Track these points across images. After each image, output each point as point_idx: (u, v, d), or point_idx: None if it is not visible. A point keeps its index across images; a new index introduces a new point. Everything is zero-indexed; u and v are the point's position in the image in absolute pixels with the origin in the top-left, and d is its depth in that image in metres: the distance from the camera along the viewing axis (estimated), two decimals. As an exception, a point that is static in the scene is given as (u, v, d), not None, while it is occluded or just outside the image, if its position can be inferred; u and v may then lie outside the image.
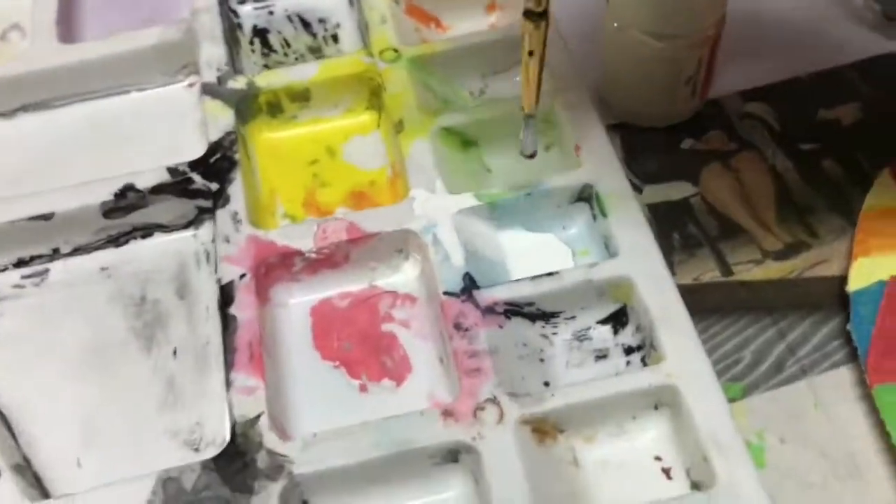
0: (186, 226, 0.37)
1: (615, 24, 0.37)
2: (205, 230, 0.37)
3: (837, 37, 0.42)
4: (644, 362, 0.32)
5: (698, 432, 0.29)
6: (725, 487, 0.28)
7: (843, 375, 0.32)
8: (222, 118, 0.38)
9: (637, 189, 0.37)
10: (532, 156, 0.35)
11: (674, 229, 0.36)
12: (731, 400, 0.32)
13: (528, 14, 0.30)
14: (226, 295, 0.33)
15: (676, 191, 0.38)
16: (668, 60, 0.36)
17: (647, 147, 0.39)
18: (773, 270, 0.35)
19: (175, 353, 0.34)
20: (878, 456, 0.30)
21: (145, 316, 0.35)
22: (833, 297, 0.34)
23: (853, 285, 0.33)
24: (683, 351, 0.30)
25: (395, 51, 0.40)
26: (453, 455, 0.30)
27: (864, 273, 0.34)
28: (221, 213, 0.35)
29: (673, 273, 0.34)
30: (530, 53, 0.31)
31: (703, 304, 0.34)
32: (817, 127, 0.39)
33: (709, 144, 0.39)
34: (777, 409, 0.32)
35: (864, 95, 0.40)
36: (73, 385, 0.34)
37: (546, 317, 0.33)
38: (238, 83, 0.39)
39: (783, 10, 0.43)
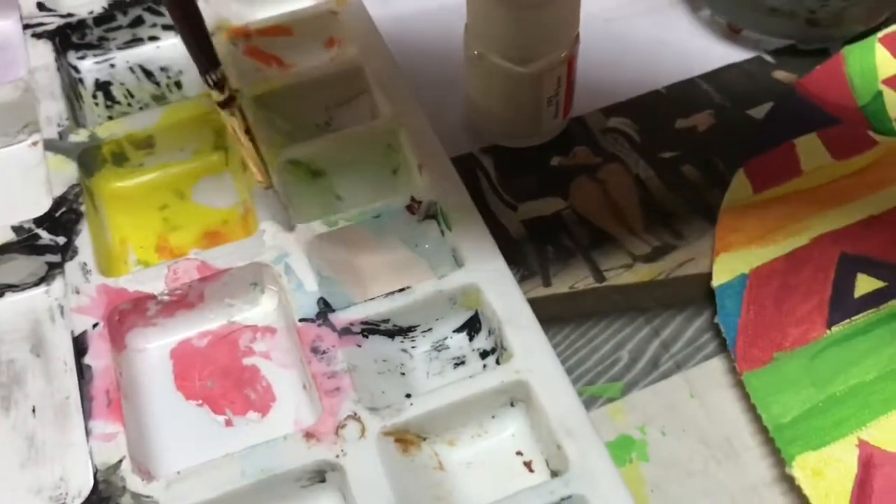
0: (38, 283, 0.37)
1: (475, 52, 0.39)
2: (57, 285, 0.37)
3: (689, 49, 0.45)
4: (498, 363, 0.33)
5: (550, 422, 0.30)
6: (578, 470, 0.29)
7: (715, 366, 0.34)
8: (66, 172, 0.38)
9: (512, 207, 0.39)
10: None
11: (548, 242, 0.38)
12: (611, 399, 0.34)
13: (220, 105, 0.32)
14: (80, 345, 0.33)
15: (548, 206, 0.39)
16: (529, 83, 0.38)
17: (519, 167, 0.41)
18: (642, 273, 0.37)
19: (34, 410, 0.34)
20: (752, 437, 0.32)
21: (1, 377, 0.35)
22: (701, 293, 0.36)
23: (717, 280, 0.36)
24: (529, 348, 0.32)
25: (236, 91, 0.41)
26: (320, 475, 0.30)
27: (727, 268, 0.36)
28: (70, 266, 0.35)
29: (549, 284, 0.37)
30: (246, 132, 0.33)
31: (580, 309, 0.36)
32: (675, 135, 0.42)
33: (575, 160, 0.41)
34: (656, 404, 0.33)
35: (715, 103, 0.43)
36: (-73, 457, 0.33)
37: (403, 332, 0.34)
38: (80, 136, 0.39)
39: (635, 26, 0.46)
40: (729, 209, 0.38)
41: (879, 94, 0.42)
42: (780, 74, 0.44)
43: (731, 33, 0.46)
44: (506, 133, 0.41)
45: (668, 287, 0.37)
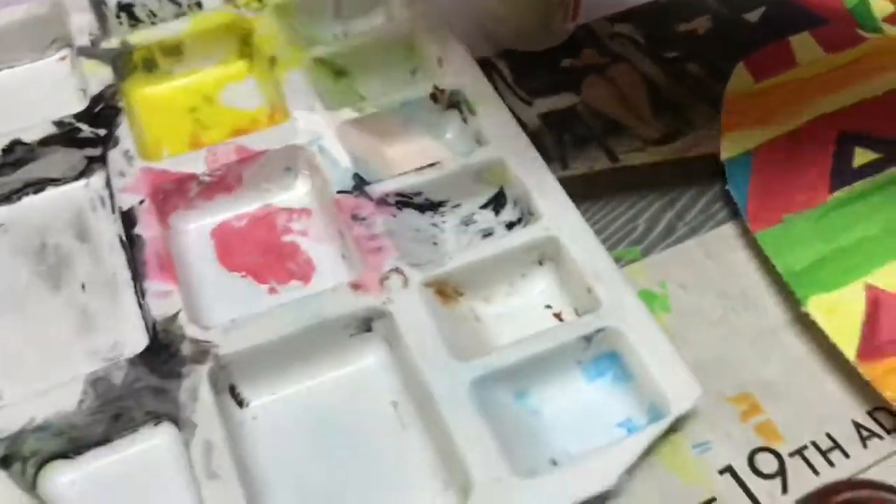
0: (78, 177, 0.38)
1: None
2: (97, 178, 0.38)
3: None
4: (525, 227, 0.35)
5: (580, 270, 0.33)
6: (609, 306, 0.31)
7: (727, 231, 0.37)
8: (101, 74, 0.40)
9: (527, 103, 0.42)
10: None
11: (564, 131, 0.40)
12: (632, 261, 0.36)
13: None
14: (128, 219, 0.34)
15: (562, 101, 0.42)
16: None
17: (532, 68, 0.43)
18: (655, 154, 0.40)
19: (83, 286, 0.35)
20: (766, 289, 0.35)
21: (48, 260, 0.36)
22: (709, 171, 0.38)
23: (725, 154, 0.38)
24: (556, 208, 0.34)
25: (259, 0, 0.43)
26: (366, 324, 0.32)
27: (733, 145, 0.39)
28: (113, 153, 0.37)
29: (567, 167, 0.39)
30: None
31: (597, 188, 0.38)
32: (677, 38, 0.44)
33: (584, 60, 0.44)
34: (673, 264, 0.36)
35: (712, 9, 0.46)
36: (-18, 333, 0.34)
37: (434, 206, 0.36)
38: (112, 43, 0.41)
39: None
40: (732, 97, 0.41)
41: (865, -3, 0.45)
42: (771, -18, 0.47)
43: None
44: (518, 39, 0.44)
45: (679, 166, 0.39)
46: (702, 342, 0.33)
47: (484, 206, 0.37)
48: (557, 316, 0.34)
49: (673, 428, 0.30)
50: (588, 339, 0.31)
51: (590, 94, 0.42)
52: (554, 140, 0.40)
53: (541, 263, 0.34)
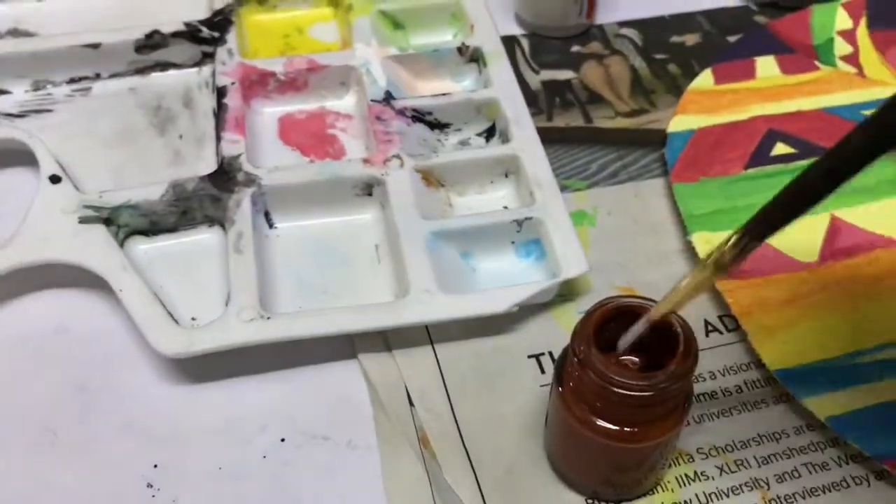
0: (193, 65, 0.52)
1: None
2: (206, 69, 0.52)
3: None
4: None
5: (528, 179, 0.44)
6: (540, 204, 0.43)
7: (657, 183, 0.48)
8: (225, -3, 0.54)
9: (535, 71, 0.54)
10: None
11: (557, 95, 0.52)
12: (578, 189, 0.47)
13: (717, 267, 0.29)
14: (221, 92, 0.48)
15: (562, 75, 0.54)
16: None
17: (547, 49, 0.55)
18: (621, 123, 0.51)
19: (181, 136, 0.49)
20: (672, 225, 0.46)
21: (160, 115, 0.50)
22: (658, 142, 0.49)
23: (671, 129, 0.49)
24: (524, 138, 0.46)
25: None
26: (369, 189, 0.45)
27: (680, 124, 0.49)
28: (220, 49, 0.51)
29: (551, 119, 0.50)
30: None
31: (568, 138, 0.50)
32: (669, 45, 0.56)
33: (589, 49, 0.55)
34: (609, 197, 0.47)
35: (703, 29, 0.57)
36: (107, 153, 0.48)
37: (440, 126, 0.49)
38: (237, -23, 0.55)
39: None
40: (692, 91, 0.52)
41: (831, 39, 0.55)
42: (759, 18, 0.58)
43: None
44: (543, 25, 0.56)
45: (637, 134, 0.50)
46: (611, 250, 0.44)
47: (479, 134, 0.49)
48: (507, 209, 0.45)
49: (568, 298, 0.42)
50: (519, 223, 0.43)
51: (585, 73, 0.54)
52: (547, 100, 0.52)
53: (506, 176, 0.46)
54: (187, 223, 0.44)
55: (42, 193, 0.43)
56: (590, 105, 0.52)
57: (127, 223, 0.43)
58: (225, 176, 0.44)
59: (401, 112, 0.48)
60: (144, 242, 0.43)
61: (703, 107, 0.51)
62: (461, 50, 0.51)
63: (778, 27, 0.56)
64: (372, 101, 0.48)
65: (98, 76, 0.52)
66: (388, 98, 0.48)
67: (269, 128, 0.49)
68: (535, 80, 0.53)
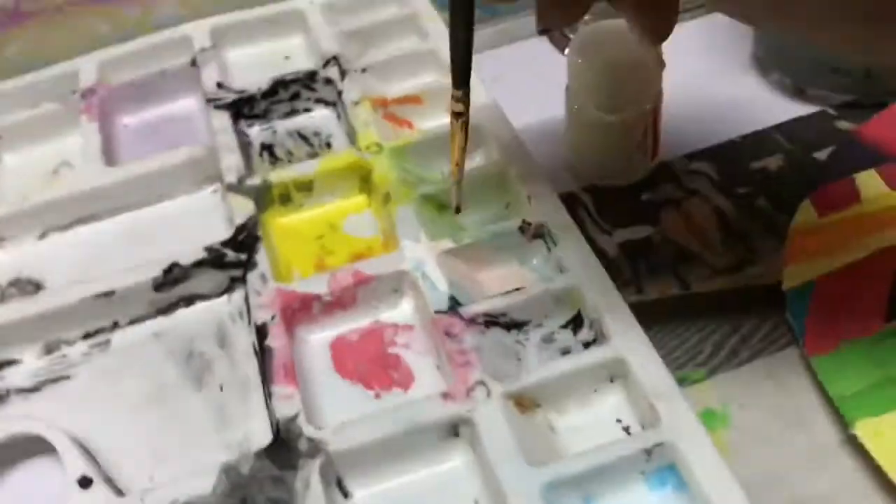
0: (221, 294, 0.46)
1: (575, 107, 0.47)
2: (237, 295, 0.46)
3: (760, 106, 0.53)
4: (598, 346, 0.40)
5: (644, 389, 0.37)
6: (668, 423, 0.35)
7: (788, 355, 0.41)
8: (245, 207, 0.47)
9: (608, 233, 0.47)
10: (457, 210, 0.44)
11: (640, 259, 0.46)
12: (697, 381, 0.40)
13: (455, 114, 0.40)
14: (262, 332, 0.41)
15: (639, 231, 0.47)
16: (620, 130, 0.47)
17: (613, 201, 0.49)
18: (723, 283, 0.44)
19: (221, 388, 0.42)
20: (821, 409, 0.38)
21: (193, 364, 0.43)
22: (773, 301, 0.42)
23: (787, 285, 0.42)
24: (626, 331, 0.39)
25: (378, 145, 0.50)
26: (454, 429, 0.37)
27: (795, 276, 0.42)
28: (251, 275, 0.44)
29: (641, 291, 0.44)
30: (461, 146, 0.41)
31: (667, 313, 0.43)
32: (749, 175, 0.49)
33: (662, 194, 0.49)
34: (736, 385, 0.40)
35: (784, 148, 0.50)
36: (139, 422, 0.41)
37: (518, 325, 0.42)
38: (255, 181, 0.49)
39: (713, 86, 0.54)
40: (796, 230, 0.45)
41: (932, 138, 0.48)
42: (842, 124, 0.51)
43: (798, 92, 0.53)
44: (602, 175, 0.49)
45: (745, 294, 0.43)
46: (758, 458, 0.37)
47: (563, 327, 0.42)
48: (626, 430, 0.38)
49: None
50: (649, 452, 0.35)
51: (665, 225, 0.47)
52: (630, 267, 0.45)
53: (612, 381, 0.39)
54: (248, 511, 0.36)
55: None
56: (681, 265, 0.45)
57: (177, 527, 0.36)
58: (284, 447, 0.36)
59: (472, 321, 0.41)
60: (200, 544, 0.36)
61: (814, 250, 0.43)
62: (523, 229, 0.44)
63: (867, 133, 0.50)
64: (437, 312, 0.41)
65: (116, 325, 0.45)
66: (454, 305, 0.41)
67: (321, 359, 0.42)
68: (610, 245, 0.46)
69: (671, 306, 0.43)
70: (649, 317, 0.41)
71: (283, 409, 0.38)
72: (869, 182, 0.46)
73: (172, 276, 0.45)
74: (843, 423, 0.37)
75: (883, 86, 0.51)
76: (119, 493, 0.38)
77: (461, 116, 0.40)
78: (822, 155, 0.49)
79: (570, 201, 0.48)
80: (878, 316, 0.40)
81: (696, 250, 0.45)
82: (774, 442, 0.37)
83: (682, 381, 0.40)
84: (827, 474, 0.36)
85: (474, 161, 0.51)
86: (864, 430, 0.36)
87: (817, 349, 0.39)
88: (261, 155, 0.54)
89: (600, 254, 0.46)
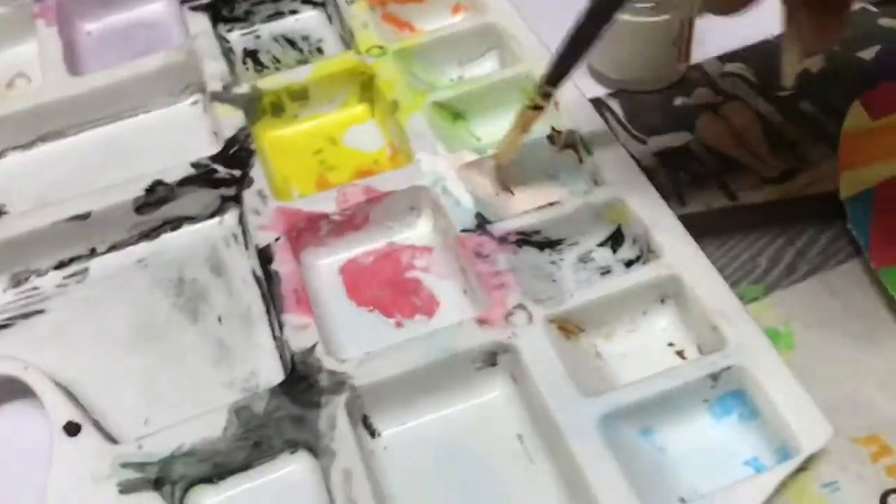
0: (212, 215, 0.41)
1: None
2: (230, 216, 0.41)
3: None
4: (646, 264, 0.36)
5: (704, 308, 0.33)
6: (736, 345, 0.32)
7: (850, 269, 0.37)
8: (233, 118, 0.42)
9: (641, 141, 0.42)
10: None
11: (680, 169, 0.41)
12: (754, 299, 0.36)
13: (533, 107, 0.37)
14: (265, 255, 0.36)
15: (676, 139, 0.42)
16: (656, 29, 0.42)
17: (645, 108, 0.44)
18: (773, 192, 0.40)
19: (220, 319, 0.37)
20: (893, 326, 0.34)
21: (186, 293, 0.38)
22: (828, 210, 0.38)
23: (845, 193, 0.38)
24: (677, 245, 0.35)
25: (381, 47, 0.45)
26: (492, 358, 0.33)
27: (853, 183, 0.38)
28: (248, 193, 0.39)
29: (684, 204, 0.39)
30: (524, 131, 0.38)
31: (715, 226, 0.38)
32: None
33: (698, 99, 0.44)
34: (797, 302, 0.36)
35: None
36: (128, 360, 0.36)
37: (552, 244, 0.37)
38: (243, 88, 0.43)
39: None
40: (849, 134, 0.41)
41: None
42: (885, 21, 0.47)
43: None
44: (631, 79, 0.44)
45: (798, 204, 0.39)
46: (828, 382, 0.33)
47: (602, 244, 0.38)
48: (680, 354, 0.34)
49: (801, 466, 0.30)
50: (715, 377, 0.31)
51: (704, 132, 0.43)
52: (670, 178, 0.41)
53: (662, 301, 0.35)
54: (263, 456, 0.32)
55: (58, 453, 0.31)
56: (725, 175, 0.41)
57: (183, 475, 0.31)
58: (303, 383, 0.32)
59: (503, 239, 0.36)
60: (212, 493, 0.32)
61: (871, 154, 0.40)
62: (552, 138, 0.40)
63: None
64: (463, 231, 0.36)
65: (94, 252, 0.40)
66: (483, 223, 0.37)
67: (333, 285, 0.38)
68: (645, 154, 0.42)
69: (718, 219, 0.39)
70: (695, 231, 0.37)
71: (299, 341, 0.33)
72: None
73: (156, 195, 0.40)
74: None
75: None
76: (112, 439, 0.33)
77: (538, 110, 0.37)
78: (866, 54, 0.45)
79: (598, 107, 0.44)
80: None
81: (740, 158, 0.41)
82: (845, 364, 0.34)
83: (739, 299, 0.36)
84: None
85: (486, 64, 0.46)
86: None
87: (885, 260, 0.36)
88: (244, 62, 0.48)
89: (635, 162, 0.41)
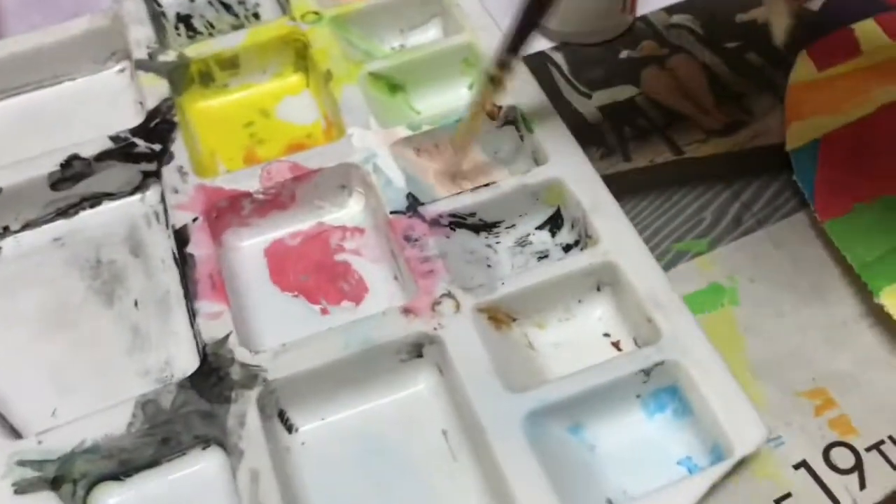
0: (133, 192, 0.38)
1: None
2: (151, 193, 0.38)
3: None
4: (583, 251, 0.34)
5: (639, 298, 0.31)
6: (670, 338, 0.30)
7: (795, 221, 0.36)
8: (157, 88, 0.40)
9: (586, 96, 0.41)
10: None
11: (625, 123, 0.40)
12: (699, 253, 0.35)
13: (492, 80, 0.33)
14: (181, 237, 0.34)
15: (622, 93, 0.41)
16: None
17: (589, 60, 0.43)
18: (719, 146, 0.39)
19: (136, 304, 0.35)
20: (837, 280, 0.34)
21: (102, 276, 0.36)
22: (774, 162, 0.38)
23: (791, 144, 0.37)
24: (615, 232, 0.33)
25: (316, 13, 0.42)
26: (417, 349, 0.31)
27: (799, 134, 0.38)
28: (167, 169, 0.37)
29: (629, 159, 0.38)
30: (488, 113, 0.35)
31: (660, 181, 0.37)
32: (736, 28, 0.44)
33: (643, 52, 0.43)
34: (742, 256, 0.35)
35: (771, -2, 0.44)
36: (38, 345, 0.34)
37: (488, 227, 0.36)
38: (169, 56, 0.41)
39: None
40: (795, 86, 0.40)
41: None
42: (834, -26, 0.45)
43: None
44: (575, 31, 0.43)
45: (744, 157, 0.38)
46: (773, 335, 0.33)
47: (540, 227, 0.36)
48: (615, 345, 0.33)
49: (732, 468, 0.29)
50: (647, 372, 0.30)
51: (650, 85, 0.41)
52: (615, 132, 0.39)
53: (598, 289, 0.33)
54: (172, 452, 0.30)
55: (-50, 449, 0.30)
56: (670, 129, 0.39)
57: (85, 472, 0.29)
58: (213, 376, 0.30)
59: (435, 222, 0.34)
60: (117, 491, 0.30)
61: (817, 105, 0.39)
62: (491, 114, 0.38)
63: None
64: (392, 212, 0.34)
65: (6, 230, 0.38)
66: (414, 205, 0.35)
67: (255, 268, 0.36)
68: (588, 108, 0.40)
69: (663, 173, 0.38)
70: (640, 185, 0.36)
71: (211, 330, 0.31)
72: (869, 32, 0.42)
73: (72, 170, 0.37)
74: (863, 293, 0.33)
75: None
76: (15, 432, 0.31)
77: (498, 85, 0.33)
78: (814, 4, 0.44)
79: (540, 61, 0.42)
80: (891, 176, 0.36)
81: (686, 111, 0.40)
82: (790, 318, 0.33)
83: (683, 253, 0.35)
84: (848, 349, 0.32)
85: (430, 32, 0.44)
86: (891, 298, 0.32)
87: (831, 212, 0.34)
88: (176, 28, 0.46)
89: (578, 116, 0.40)
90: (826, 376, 0.31)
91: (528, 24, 0.32)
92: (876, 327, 0.32)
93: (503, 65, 0.33)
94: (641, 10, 0.44)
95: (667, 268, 0.34)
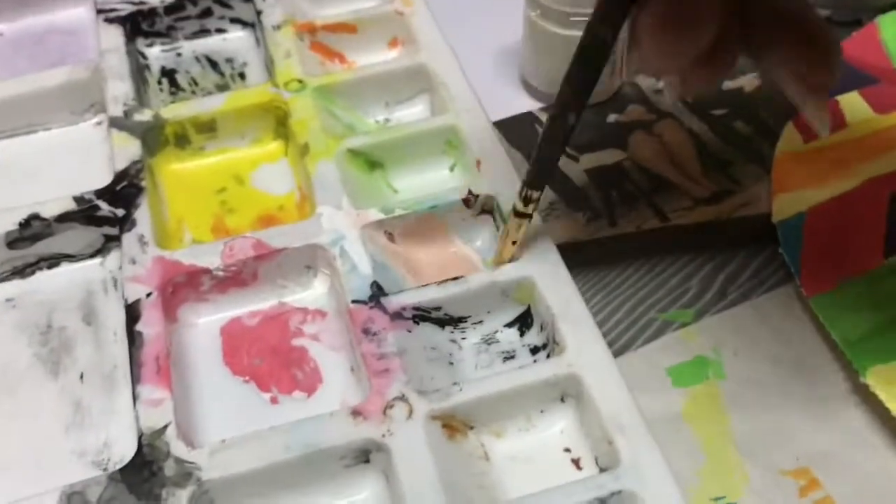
0: (93, 255, 0.37)
1: (534, 13, 0.41)
2: (112, 258, 0.37)
3: None
4: (549, 359, 0.33)
5: (601, 417, 0.30)
6: (630, 466, 0.28)
7: (781, 295, 0.35)
8: (129, 148, 0.39)
9: (574, 159, 0.40)
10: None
11: (611, 188, 0.39)
12: (684, 324, 0.35)
13: (517, 214, 0.32)
14: (132, 313, 0.33)
15: (609, 156, 0.41)
16: None
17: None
18: (704, 214, 0.38)
19: (82, 376, 0.34)
20: (822, 356, 0.33)
21: (51, 342, 0.35)
22: (760, 233, 0.37)
23: (777, 216, 0.37)
24: (583, 342, 0.31)
25: (300, 81, 0.41)
26: (364, 455, 0.30)
27: (785, 206, 0.37)
28: (127, 237, 0.35)
29: (615, 224, 0.38)
30: (513, 243, 0.33)
31: (646, 247, 0.37)
32: (724, 95, 0.43)
33: (631, 116, 0.42)
34: (727, 328, 0.34)
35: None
36: (-25, 415, 0.33)
37: (454, 322, 0.34)
38: (144, 116, 0.40)
39: None
40: (782, 156, 0.39)
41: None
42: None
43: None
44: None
45: (730, 227, 0.38)
46: (757, 411, 0.32)
47: (509, 325, 0.34)
48: (576, 463, 0.31)
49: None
50: (603, 501, 0.28)
51: (637, 150, 0.41)
52: (601, 196, 0.39)
53: (562, 400, 0.32)
54: (95, 548, 0.28)
55: None
56: (657, 195, 0.38)
57: (0, 566, 0.28)
58: (146, 470, 0.29)
59: (398, 314, 0.33)
60: (32, 587, 0.28)
61: (803, 177, 0.38)
62: (467, 201, 0.36)
63: (846, 51, 0.43)
64: (354, 301, 0.33)
65: (-42, 287, 0.36)
66: (377, 294, 0.33)
67: (209, 347, 0.34)
68: (576, 171, 0.40)
69: (649, 240, 0.37)
70: (625, 253, 0.35)
71: (150, 418, 0.30)
72: (853, 105, 0.41)
73: (31, 230, 0.36)
74: (848, 370, 0.32)
75: (857, 2, 0.45)
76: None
77: (526, 218, 0.32)
78: None
79: (528, 122, 0.41)
80: (877, 250, 0.35)
81: (673, 178, 0.39)
82: (775, 395, 0.32)
83: (668, 324, 0.34)
84: (833, 428, 0.31)
85: (417, 108, 0.43)
86: (877, 378, 0.30)
87: (816, 288, 0.33)
88: (159, 83, 0.45)
89: (566, 181, 0.39)
90: (810, 455, 0.31)
91: (548, 158, 0.30)
92: (862, 406, 0.32)
93: (528, 200, 0.32)
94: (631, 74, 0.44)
95: (652, 338, 0.34)
